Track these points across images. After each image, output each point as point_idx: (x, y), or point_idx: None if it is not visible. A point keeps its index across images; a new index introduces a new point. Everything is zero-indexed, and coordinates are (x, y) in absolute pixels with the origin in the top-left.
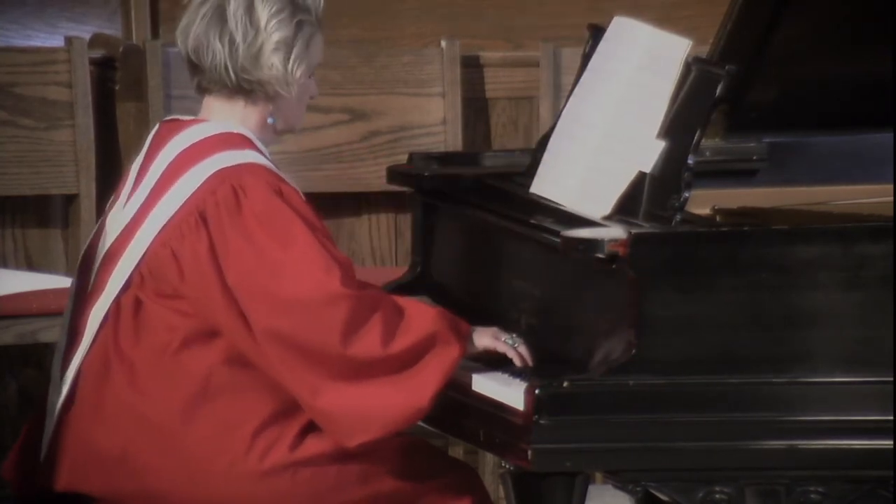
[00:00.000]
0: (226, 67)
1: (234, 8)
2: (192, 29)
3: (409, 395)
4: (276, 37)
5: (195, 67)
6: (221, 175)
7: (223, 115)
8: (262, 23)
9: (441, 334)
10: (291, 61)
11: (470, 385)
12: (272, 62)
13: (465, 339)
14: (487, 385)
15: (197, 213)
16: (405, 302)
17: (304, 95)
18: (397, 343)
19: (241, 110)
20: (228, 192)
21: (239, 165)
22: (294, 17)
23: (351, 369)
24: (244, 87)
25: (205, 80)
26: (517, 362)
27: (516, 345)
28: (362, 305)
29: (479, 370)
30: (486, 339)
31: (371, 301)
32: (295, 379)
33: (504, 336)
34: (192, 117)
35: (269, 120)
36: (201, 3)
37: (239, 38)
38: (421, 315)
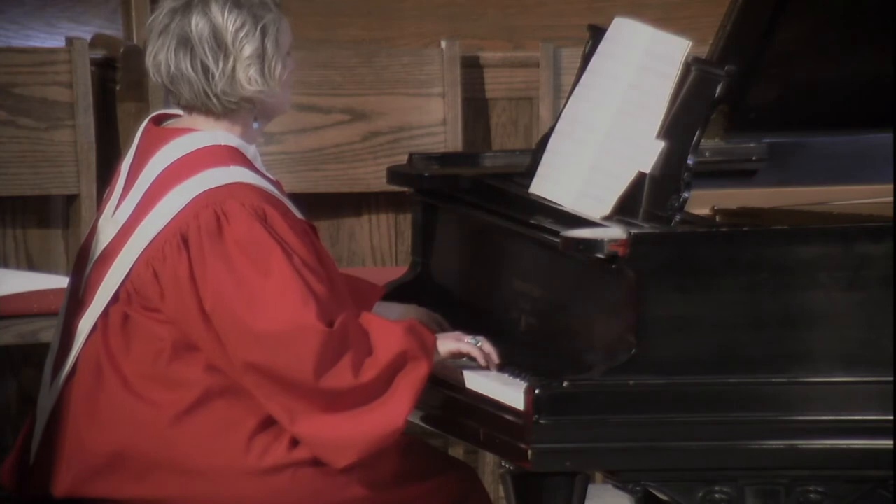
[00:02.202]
0: (206, 95)
1: (198, 33)
2: (160, 58)
3: (384, 418)
4: (246, 52)
5: (175, 94)
6: (205, 197)
7: (209, 128)
8: (229, 42)
9: (409, 352)
10: (267, 68)
11: (469, 385)
12: (249, 77)
13: (432, 351)
14: (487, 385)
15: (180, 236)
16: (371, 324)
17: (288, 81)
18: (368, 372)
19: (227, 125)
20: (211, 218)
21: (223, 187)
22: (257, 25)
23: (325, 400)
24: (230, 108)
25: (187, 103)
26: (481, 361)
27: (479, 343)
28: (334, 339)
29: (478, 370)
30: (449, 343)
31: (342, 333)
32: (272, 404)
33: (467, 338)
34: (180, 117)
35: (255, 125)
36: (162, 32)
37: (210, 63)
38: (388, 336)
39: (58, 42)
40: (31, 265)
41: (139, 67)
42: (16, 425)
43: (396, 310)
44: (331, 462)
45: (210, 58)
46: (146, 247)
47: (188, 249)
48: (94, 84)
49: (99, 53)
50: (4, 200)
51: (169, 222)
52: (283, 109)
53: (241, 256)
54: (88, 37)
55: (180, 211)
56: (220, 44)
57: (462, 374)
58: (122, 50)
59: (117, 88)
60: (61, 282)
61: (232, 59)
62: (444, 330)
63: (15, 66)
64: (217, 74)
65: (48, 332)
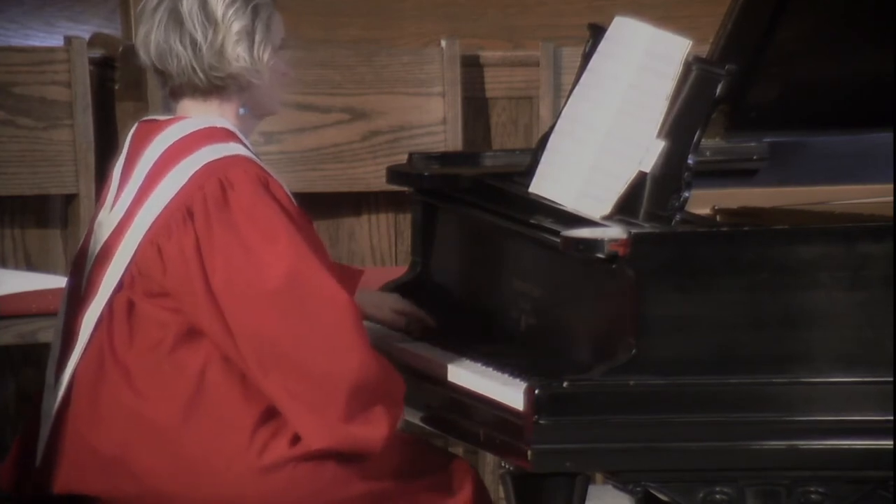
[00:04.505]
0: (193, 69)
1: (189, 7)
2: (151, 37)
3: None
4: (235, 28)
5: (162, 74)
6: (208, 169)
7: (200, 115)
8: (219, 17)
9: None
10: (256, 48)
11: (469, 385)
12: (237, 54)
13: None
14: (487, 385)
15: (185, 209)
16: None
17: (277, 76)
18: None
19: (216, 108)
20: (216, 186)
21: (225, 158)
22: (249, 4)
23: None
24: (216, 85)
25: (175, 85)
26: None
27: None
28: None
29: (478, 370)
30: None
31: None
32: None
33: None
34: (170, 116)
35: (241, 111)
36: (154, 10)
37: (199, 37)
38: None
39: (56, 41)
40: (30, 265)
41: (138, 67)
42: (15, 425)
43: (373, 296)
44: (371, 448)
45: (199, 31)
46: (150, 226)
47: (193, 221)
48: (92, 83)
49: (97, 53)
50: (3, 200)
51: (172, 198)
52: (272, 106)
53: (248, 223)
54: (87, 36)
55: (183, 186)
56: (209, 18)
57: (462, 374)
58: (120, 49)
59: (116, 88)
60: (60, 282)
61: (221, 33)
62: (412, 323)
63: (14, 66)
64: (205, 47)
65: (47, 332)
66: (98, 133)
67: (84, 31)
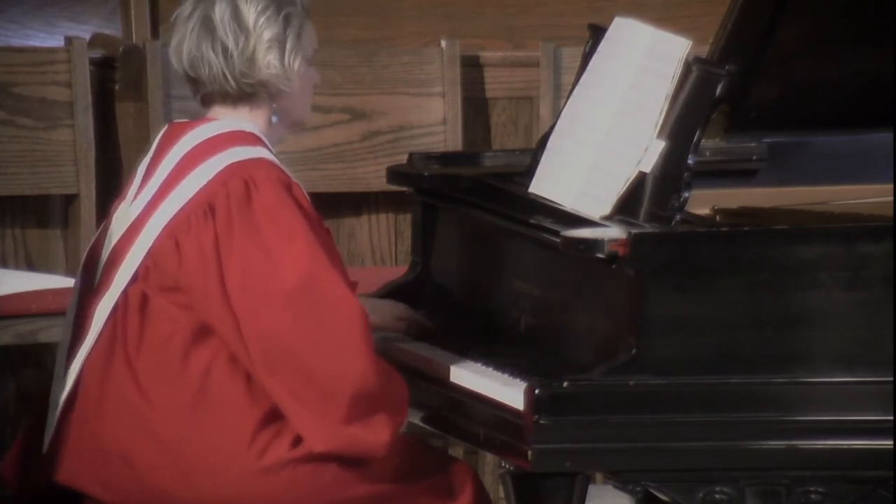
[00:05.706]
0: (224, 76)
1: (220, 15)
2: (184, 45)
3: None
4: (266, 35)
5: (194, 81)
6: (233, 169)
7: (230, 121)
8: (251, 24)
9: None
10: (287, 56)
11: (469, 385)
12: (268, 61)
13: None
14: (487, 385)
15: (206, 205)
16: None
17: (307, 85)
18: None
19: (246, 115)
20: (239, 185)
21: (250, 160)
22: (280, 12)
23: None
24: (246, 92)
25: (207, 92)
26: None
27: None
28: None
29: (478, 370)
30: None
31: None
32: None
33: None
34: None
35: (273, 119)
36: (188, 18)
37: (231, 44)
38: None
39: (57, 41)
40: (30, 265)
41: (138, 67)
42: (15, 425)
43: (373, 303)
44: (373, 452)
45: (231, 39)
46: (170, 220)
47: (214, 218)
48: (92, 83)
49: (98, 53)
50: (3, 200)
51: (194, 195)
52: (302, 115)
53: (269, 225)
54: (87, 36)
55: (207, 183)
56: (241, 25)
57: (462, 373)
58: (120, 49)
59: (116, 88)
60: (60, 282)
61: (252, 41)
62: (413, 327)
63: (14, 66)
64: (237, 54)
65: (47, 332)
66: (98, 133)
67: (84, 32)
